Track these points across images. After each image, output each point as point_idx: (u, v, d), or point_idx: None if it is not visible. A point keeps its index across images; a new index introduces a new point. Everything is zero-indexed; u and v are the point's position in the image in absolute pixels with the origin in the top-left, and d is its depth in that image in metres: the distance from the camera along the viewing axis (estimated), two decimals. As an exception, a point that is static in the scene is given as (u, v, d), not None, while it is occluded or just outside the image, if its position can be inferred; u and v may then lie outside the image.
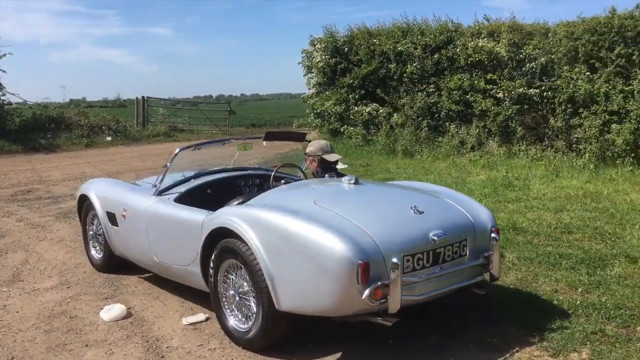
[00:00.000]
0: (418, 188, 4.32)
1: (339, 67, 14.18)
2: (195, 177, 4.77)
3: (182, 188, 4.54)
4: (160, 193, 4.46)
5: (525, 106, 11.63)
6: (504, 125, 11.65)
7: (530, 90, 11.49)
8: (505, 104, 11.67)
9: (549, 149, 11.31)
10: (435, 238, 3.24)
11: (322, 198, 3.63)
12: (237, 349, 3.51)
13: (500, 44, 11.91)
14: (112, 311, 4.16)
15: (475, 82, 12.02)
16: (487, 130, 11.95)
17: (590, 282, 4.21)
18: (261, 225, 3.34)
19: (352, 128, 13.58)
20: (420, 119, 12.74)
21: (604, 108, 10.55)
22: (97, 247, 5.26)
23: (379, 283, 2.98)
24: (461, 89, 12.13)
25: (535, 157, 10.97)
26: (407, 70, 12.93)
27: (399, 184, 4.81)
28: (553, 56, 11.43)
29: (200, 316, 4.06)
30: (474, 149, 11.82)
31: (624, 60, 10.54)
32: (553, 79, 11.41)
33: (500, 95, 11.80)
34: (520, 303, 3.95)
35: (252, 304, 3.45)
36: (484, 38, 12.29)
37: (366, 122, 13.45)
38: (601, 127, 10.44)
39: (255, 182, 4.96)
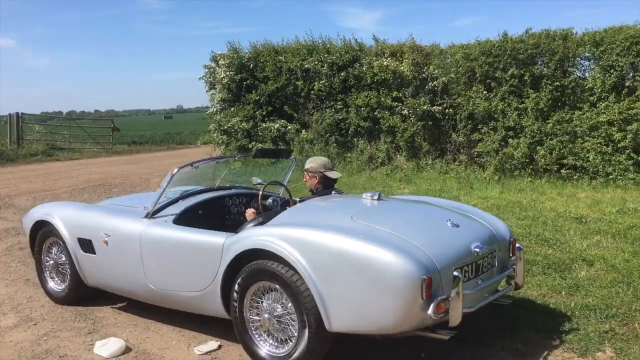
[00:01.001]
0: (435, 202, 4.41)
1: (244, 83, 14.02)
2: (182, 197, 4.50)
3: (175, 209, 4.25)
4: (152, 215, 4.17)
5: (429, 122, 12.24)
6: (410, 141, 12.15)
7: (434, 107, 12.12)
8: (411, 121, 12.20)
9: (452, 162, 12.01)
10: (478, 250, 3.33)
11: (357, 214, 3.58)
12: None
13: (403, 64, 12.46)
14: (108, 346, 3.78)
15: (382, 99, 12.44)
16: (394, 145, 12.40)
17: (568, 285, 4.48)
18: (308, 245, 3.21)
19: (260, 145, 13.43)
20: (328, 135, 12.95)
21: (501, 124, 11.42)
22: (57, 278, 4.82)
23: (441, 297, 2.98)
24: (369, 106, 12.49)
25: (442, 170, 11.58)
26: (315, 87, 13.09)
27: (414, 198, 4.72)
28: (452, 76, 12.16)
29: (213, 344, 3.85)
30: (384, 163, 12.21)
31: (516, 80, 11.46)
32: (454, 97, 12.13)
33: (406, 112, 12.32)
34: (522, 309, 4.10)
35: (291, 327, 3.32)
36: (387, 57, 12.80)
37: (275, 138, 13.38)
38: (500, 142, 11.28)
39: (242, 201, 4.79)
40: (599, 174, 10.27)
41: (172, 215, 4.19)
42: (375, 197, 3.91)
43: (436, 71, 12.35)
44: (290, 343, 3.37)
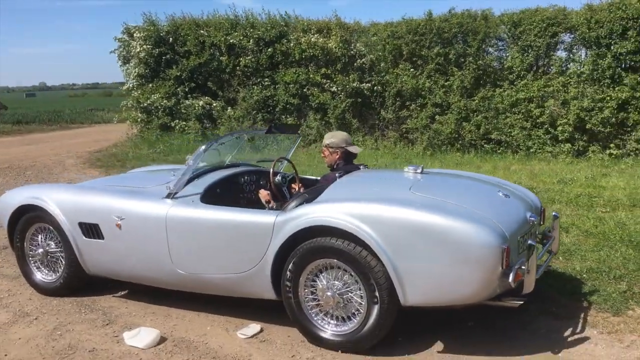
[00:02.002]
0: (471, 175, 4.45)
1: (163, 58, 13.31)
2: (196, 176, 4.16)
3: (195, 188, 3.97)
4: (174, 196, 3.87)
5: (359, 99, 12.34)
6: (340, 118, 12.20)
7: (362, 84, 12.23)
8: (340, 98, 12.23)
9: (381, 139, 12.23)
10: (533, 219, 3.42)
11: (415, 187, 3.55)
12: (335, 355, 3.31)
13: (331, 41, 12.42)
14: (141, 337, 3.51)
15: (311, 76, 12.35)
16: (324, 122, 12.39)
17: (561, 250, 4.68)
18: (381, 219, 3.14)
19: (184, 122, 12.87)
20: (255, 112, 12.68)
21: (429, 101, 11.77)
22: (45, 269, 4.40)
23: (519, 266, 3.02)
24: (297, 83, 12.35)
25: (373, 147, 11.76)
26: (241, 63, 12.72)
27: (449, 172, 4.69)
28: (380, 53, 12.32)
29: (255, 327, 3.70)
30: (315, 140, 12.16)
31: (442, 58, 11.84)
32: (382, 74, 12.31)
33: (334, 89, 12.32)
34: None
35: (355, 304, 3.26)
36: (314, 34, 12.69)
37: (200, 116, 12.86)
38: (428, 119, 11.63)
39: (253, 178, 4.58)
40: (520, 147, 10.93)
41: (195, 194, 3.91)
42: (419, 171, 3.90)
43: (363, 49, 12.45)
44: (355, 320, 3.32)
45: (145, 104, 13.05)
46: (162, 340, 3.58)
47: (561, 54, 11.30)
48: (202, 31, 13.12)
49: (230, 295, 3.82)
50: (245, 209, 3.79)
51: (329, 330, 3.40)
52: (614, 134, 10.44)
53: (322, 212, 3.32)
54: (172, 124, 12.94)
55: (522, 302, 3.14)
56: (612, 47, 10.36)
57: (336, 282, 3.34)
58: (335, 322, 3.40)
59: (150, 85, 13.39)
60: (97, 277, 4.30)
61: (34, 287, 4.46)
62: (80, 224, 4.13)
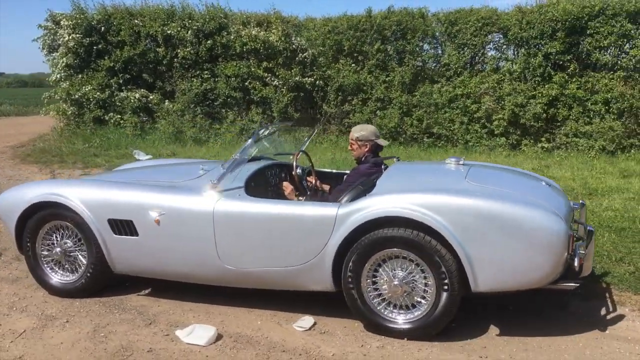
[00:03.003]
0: (503, 167, 4.68)
1: (95, 48, 12.63)
2: (231, 169, 4.02)
3: (234, 182, 3.89)
4: (218, 189, 3.77)
5: (301, 94, 12.35)
6: (283, 112, 12.14)
7: (304, 79, 12.24)
8: (282, 92, 12.17)
9: (323, 133, 12.30)
10: (576, 207, 3.69)
11: (469, 178, 3.69)
12: (403, 343, 3.39)
13: (273, 34, 12.33)
14: (198, 334, 3.46)
15: (253, 69, 12.20)
16: (266, 116, 12.28)
17: None
18: (454, 209, 3.22)
19: (119, 116, 12.30)
20: (194, 105, 12.35)
21: (370, 96, 11.98)
22: (60, 270, 4.17)
23: (581, 251, 3.24)
24: (239, 76, 12.16)
25: (317, 141, 11.80)
26: (179, 55, 12.34)
27: (483, 163, 4.85)
28: (321, 48, 12.38)
29: (309, 319, 3.71)
30: (257, 135, 12.03)
31: (382, 55, 12.08)
32: (323, 69, 12.37)
33: (276, 82, 12.24)
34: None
35: (421, 292, 3.37)
36: (254, 27, 12.55)
37: (136, 109, 12.34)
38: (371, 113, 11.84)
39: (276, 171, 4.52)
40: (459, 141, 11.38)
41: (238, 187, 3.83)
42: (461, 162, 4.04)
43: (305, 43, 12.46)
44: (422, 308, 3.41)
45: (77, 96, 12.33)
46: (219, 337, 3.48)
47: (495, 52, 11.89)
48: (136, 21, 12.58)
49: (282, 289, 3.78)
50: (303, 202, 3.83)
51: (395, 318, 3.48)
52: (544, 129, 11.11)
53: (391, 203, 3.38)
54: (107, 118, 12.33)
55: (578, 285, 3.34)
56: (542, 47, 11.01)
57: (399, 272, 3.41)
58: (398, 310, 3.48)
59: (81, 76, 12.69)
60: (123, 276, 4.12)
61: (49, 290, 4.20)
62: (110, 221, 3.92)
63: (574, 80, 10.87)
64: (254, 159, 4.52)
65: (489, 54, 11.88)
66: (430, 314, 3.38)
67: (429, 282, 3.37)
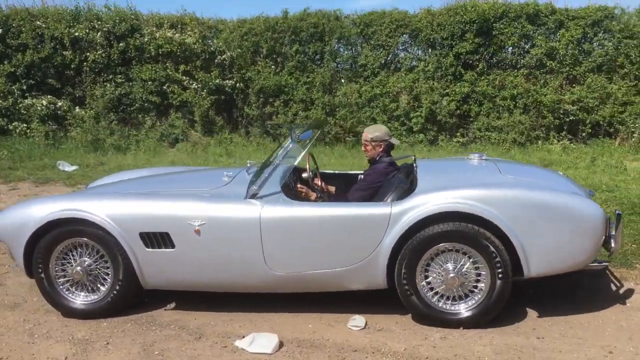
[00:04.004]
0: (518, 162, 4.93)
1: (-8, 52, 11.65)
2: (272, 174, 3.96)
3: (272, 186, 3.83)
4: (254, 195, 3.69)
5: (222, 97, 12.15)
6: (205, 116, 11.89)
7: (225, 81, 12.06)
8: (202, 95, 11.92)
9: (246, 136, 12.19)
10: (592, 194, 3.98)
11: (502, 171, 3.96)
12: (463, 332, 3.55)
13: (189, 36, 12.03)
14: (261, 343, 3.44)
15: (170, 73, 11.83)
16: (187, 121, 11.96)
17: None
18: (507, 201, 3.45)
19: (25, 125, 11.41)
20: (106, 111, 11.76)
21: (292, 97, 12.05)
22: (79, 291, 3.90)
23: (613, 233, 3.58)
24: (156, 80, 11.74)
25: (243, 144, 11.67)
26: (89, 58, 11.68)
27: (498, 159, 5.09)
28: (240, 50, 12.27)
29: (360, 319, 3.79)
30: (177, 140, 11.70)
31: (301, 56, 12.20)
32: (242, 71, 12.26)
33: (195, 86, 11.96)
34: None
35: (472, 281, 3.58)
36: (168, 29, 12.16)
37: (44, 116, 11.51)
38: (294, 115, 11.91)
39: (291, 174, 4.43)
40: (381, 139, 11.75)
41: (276, 192, 3.79)
42: (484, 157, 4.29)
43: (222, 45, 12.27)
44: (476, 297, 3.59)
45: (-27, 105, 11.29)
46: (280, 344, 3.44)
47: (409, 53, 12.40)
48: (38, 22, 11.75)
49: (329, 290, 3.80)
50: (352, 203, 3.93)
51: (449, 309, 3.64)
52: (458, 124, 11.78)
53: (445, 198, 3.52)
54: (10, 127, 11.40)
55: (607, 264, 3.78)
56: (453, 48, 11.65)
57: (450, 265, 3.57)
58: (452, 302, 3.64)
59: (-23, 83, 11.64)
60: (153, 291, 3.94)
61: (70, 314, 3.91)
62: (142, 234, 3.69)
63: (482, 78, 11.62)
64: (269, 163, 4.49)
65: (403, 54, 12.38)
66: (485, 302, 3.57)
67: (483, 272, 3.56)
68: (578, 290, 4.19)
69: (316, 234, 3.64)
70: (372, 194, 4.18)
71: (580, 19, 11.32)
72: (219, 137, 11.82)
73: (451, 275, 3.57)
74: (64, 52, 11.72)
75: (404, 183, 4.01)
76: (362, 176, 4.50)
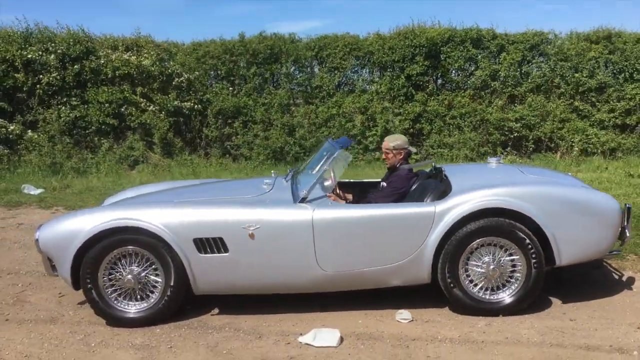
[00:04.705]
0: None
1: (-64, 74, 11.16)
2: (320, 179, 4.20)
3: (316, 191, 4.07)
4: (303, 199, 3.93)
5: (181, 118, 12.19)
6: (164, 137, 11.86)
7: (183, 103, 12.11)
8: (160, 117, 11.90)
9: (205, 157, 12.25)
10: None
11: (524, 171, 4.43)
12: (505, 319, 3.90)
13: (145, 59, 12.02)
14: (324, 337, 3.65)
15: (127, 95, 11.76)
16: (146, 142, 11.88)
17: None
18: (541, 198, 3.87)
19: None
20: (60, 134, 11.50)
21: (250, 118, 12.25)
22: (126, 300, 3.96)
23: (625, 224, 4.02)
24: (114, 102, 11.63)
25: (203, 165, 11.72)
26: (43, 81, 11.43)
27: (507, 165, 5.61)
28: (198, 72, 12.38)
29: (406, 313, 4.03)
30: (137, 162, 11.60)
31: (259, 78, 12.46)
32: (200, 93, 12.37)
33: (152, 108, 11.92)
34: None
35: (508, 272, 3.93)
36: (124, 51, 12.12)
37: (-6, 141, 11.11)
38: (254, 135, 12.10)
39: None
40: (339, 158, 12.13)
41: (322, 196, 4.04)
42: (501, 161, 4.72)
43: (179, 67, 12.33)
44: (513, 285, 3.96)
45: None
46: (341, 338, 3.66)
47: (362, 75, 12.93)
48: (-13, 45, 11.40)
49: (376, 287, 4.07)
50: (400, 203, 4.23)
51: (489, 299, 3.99)
52: (411, 142, 12.32)
53: (485, 196, 3.89)
54: (-41, 152, 10.94)
55: (618, 252, 4.23)
56: (404, 70, 12.26)
57: (487, 257, 3.92)
58: (490, 292, 4.00)
59: None
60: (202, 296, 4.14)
61: (121, 323, 3.95)
62: (196, 240, 3.82)
63: (432, 98, 12.29)
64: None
65: (357, 76, 12.89)
66: (523, 289, 3.94)
67: (519, 263, 3.92)
68: (586, 280, 4.68)
69: (366, 233, 3.92)
70: (397, 200, 4.51)
71: (519, 43, 12.25)
72: (179, 158, 11.83)
73: (492, 267, 3.93)
74: (15, 75, 11.42)
75: (439, 186, 4.35)
76: (384, 183, 4.80)
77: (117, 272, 3.95)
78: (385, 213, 3.97)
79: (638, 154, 11.59)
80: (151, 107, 11.92)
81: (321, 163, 4.28)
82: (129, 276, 3.92)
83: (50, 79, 11.47)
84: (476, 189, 3.99)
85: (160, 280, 3.96)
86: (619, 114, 11.94)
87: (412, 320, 3.97)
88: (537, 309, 4.05)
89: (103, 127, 11.68)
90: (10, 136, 11.34)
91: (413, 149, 4.94)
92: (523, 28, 12.98)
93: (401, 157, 4.77)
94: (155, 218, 3.88)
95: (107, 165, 11.07)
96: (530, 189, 4.00)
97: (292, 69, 12.68)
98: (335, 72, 12.56)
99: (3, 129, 11.29)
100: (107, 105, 11.62)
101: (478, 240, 3.92)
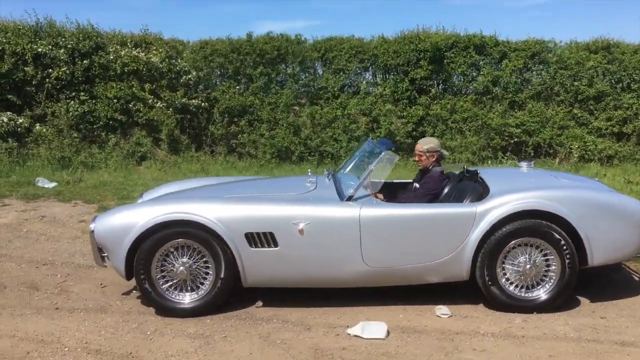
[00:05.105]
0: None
1: (-55, 66, 11.21)
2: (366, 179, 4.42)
3: (362, 190, 4.30)
4: (350, 198, 4.14)
5: (189, 116, 12.34)
6: (171, 134, 12.00)
7: (190, 100, 12.26)
8: (168, 114, 12.04)
9: (210, 154, 12.41)
10: None
11: (556, 176, 4.71)
12: (540, 316, 4.11)
13: (154, 55, 12.16)
14: (372, 329, 3.85)
15: (136, 91, 11.88)
16: (152, 139, 12.02)
17: None
18: (576, 201, 4.11)
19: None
20: (68, 129, 11.60)
21: (257, 117, 12.43)
22: (178, 291, 4.19)
23: None
24: (122, 98, 11.76)
25: (209, 162, 11.88)
26: (53, 75, 11.53)
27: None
28: (206, 70, 12.53)
29: (444, 307, 4.24)
30: (144, 158, 11.74)
31: (266, 77, 12.64)
32: (208, 91, 12.53)
33: (160, 105, 12.06)
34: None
35: (542, 271, 4.17)
36: (134, 48, 12.24)
37: (3, 134, 11.18)
38: (260, 134, 12.27)
39: None
40: (343, 158, 12.35)
41: (367, 195, 4.24)
42: (532, 165, 4.92)
43: (186, 65, 12.47)
44: (547, 284, 4.19)
45: None
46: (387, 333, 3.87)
47: (367, 77, 13.16)
48: (-1, 37, 11.47)
49: (415, 283, 4.28)
50: (443, 204, 4.51)
51: (525, 296, 4.22)
52: (414, 145, 12.55)
53: (525, 199, 4.12)
54: (-33, 145, 10.99)
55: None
56: (408, 74, 12.51)
57: (523, 257, 4.15)
58: (524, 289, 4.24)
59: None
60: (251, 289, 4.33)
61: (173, 313, 4.15)
62: (247, 235, 4.02)
63: (435, 102, 12.55)
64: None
65: (362, 78, 13.12)
66: (557, 288, 4.18)
67: (553, 263, 4.16)
68: (610, 281, 4.94)
69: (410, 231, 4.15)
70: (431, 200, 4.74)
71: (521, 50, 12.55)
72: (186, 155, 11.98)
73: (528, 266, 4.16)
74: (25, 68, 11.50)
75: (477, 188, 4.59)
76: (416, 184, 5.03)
77: (168, 263, 4.14)
78: (429, 212, 4.21)
79: (634, 162, 11.94)
80: (159, 103, 12.06)
81: (369, 163, 4.48)
82: (182, 268, 4.12)
83: (60, 73, 11.58)
84: (514, 192, 4.24)
85: (210, 272, 4.16)
86: (616, 122, 12.28)
87: (451, 316, 4.19)
88: (568, 308, 4.32)
89: (111, 122, 11.80)
90: (19, 129, 11.44)
91: (446, 152, 5.16)
92: (524, 35, 13.31)
93: (434, 159, 5.00)
94: (210, 212, 4.09)
95: (114, 161, 11.20)
96: (566, 193, 4.26)
97: (297, 70, 12.88)
98: (341, 73, 12.78)
99: (12, 122, 11.38)
100: (115, 101, 11.75)
101: (515, 240, 4.16)
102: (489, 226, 4.11)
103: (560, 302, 4.25)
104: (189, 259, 4.15)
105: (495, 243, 4.13)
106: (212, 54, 12.67)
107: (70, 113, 11.50)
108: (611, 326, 4.04)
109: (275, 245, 4.11)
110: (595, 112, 12.44)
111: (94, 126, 11.83)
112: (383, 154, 4.46)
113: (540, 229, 4.12)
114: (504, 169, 6.00)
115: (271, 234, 4.10)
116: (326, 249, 4.13)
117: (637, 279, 5.05)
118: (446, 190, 4.86)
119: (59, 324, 4.01)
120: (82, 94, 11.78)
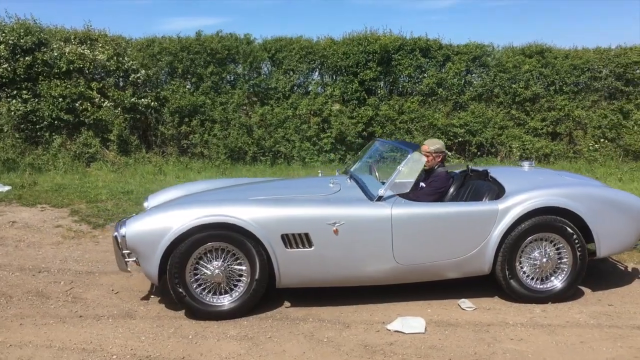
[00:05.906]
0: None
1: None
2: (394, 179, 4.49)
3: (390, 190, 4.40)
4: (380, 198, 4.26)
5: (138, 115, 12.06)
6: (120, 135, 11.70)
7: (139, 100, 11.99)
8: (116, 113, 11.73)
9: (160, 155, 12.19)
10: None
11: (561, 174, 5.01)
12: (557, 305, 4.40)
13: (100, 52, 11.80)
14: (410, 324, 4.00)
15: (82, 89, 11.50)
16: (102, 139, 11.67)
17: None
18: (587, 197, 4.43)
19: None
20: (7, 129, 11.08)
21: (207, 117, 12.33)
22: (210, 295, 4.16)
23: None
24: (68, 97, 11.34)
25: (161, 162, 11.67)
26: (-8, 72, 10.96)
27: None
28: (155, 69, 12.29)
29: (467, 301, 4.46)
30: (93, 159, 11.39)
31: (217, 77, 12.56)
32: (157, 90, 12.30)
33: (107, 104, 11.73)
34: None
35: (555, 264, 4.44)
36: (79, 45, 11.82)
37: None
38: (213, 134, 12.18)
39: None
40: (295, 158, 12.50)
41: (394, 195, 4.38)
42: (533, 165, 5.21)
43: (134, 63, 12.18)
44: (560, 275, 4.48)
45: None
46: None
47: (317, 78, 13.34)
48: None
49: (441, 279, 4.45)
50: (468, 202, 4.68)
51: (540, 288, 4.51)
52: (365, 145, 12.88)
53: (544, 196, 4.42)
54: None
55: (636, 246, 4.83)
56: (358, 75, 12.81)
57: (538, 251, 4.44)
58: (540, 281, 4.52)
59: None
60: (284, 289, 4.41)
61: (213, 317, 4.15)
62: (284, 236, 4.08)
63: (384, 103, 12.93)
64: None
65: (312, 79, 13.29)
66: (570, 278, 4.50)
67: (565, 256, 4.47)
68: (600, 271, 5.28)
69: (438, 229, 4.36)
70: (438, 198, 4.99)
71: (463, 54, 13.14)
72: (137, 156, 11.72)
73: (544, 259, 4.48)
74: (-40, 65, 10.89)
75: (492, 187, 4.85)
76: (423, 184, 5.25)
77: (202, 266, 4.16)
78: (456, 210, 4.45)
79: (568, 160, 12.83)
80: (106, 103, 11.73)
81: (398, 164, 4.58)
82: (217, 271, 4.16)
83: (0, 70, 11.04)
84: (531, 190, 4.55)
85: (244, 274, 4.21)
86: (550, 122, 13.13)
87: (476, 309, 4.42)
88: (575, 297, 4.66)
89: (56, 122, 11.37)
90: (-43, 129, 10.82)
91: (448, 152, 5.47)
92: (464, 40, 13.93)
93: (439, 159, 5.27)
94: (247, 214, 4.15)
95: (63, 163, 10.80)
96: (576, 190, 4.63)
97: (247, 69, 12.87)
98: (291, 74, 12.91)
99: (-53, 122, 10.75)
100: (60, 99, 11.33)
101: (533, 235, 4.47)
102: (511, 222, 4.40)
103: (573, 290, 4.60)
104: (223, 261, 4.19)
105: (515, 238, 4.42)
106: (160, 52, 12.45)
107: (12, 112, 11.00)
108: (621, 312, 4.41)
109: (310, 245, 4.22)
110: (531, 113, 13.24)
111: (37, 126, 11.37)
112: (411, 154, 4.60)
113: (555, 224, 4.45)
114: (510, 168, 6.38)
115: (306, 234, 4.20)
116: (359, 248, 4.28)
117: (622, 268, 5.49)
118: (452, 189, 5.18)
119: (92, 332, 3.95)
120: (24, 92, 11.29)
